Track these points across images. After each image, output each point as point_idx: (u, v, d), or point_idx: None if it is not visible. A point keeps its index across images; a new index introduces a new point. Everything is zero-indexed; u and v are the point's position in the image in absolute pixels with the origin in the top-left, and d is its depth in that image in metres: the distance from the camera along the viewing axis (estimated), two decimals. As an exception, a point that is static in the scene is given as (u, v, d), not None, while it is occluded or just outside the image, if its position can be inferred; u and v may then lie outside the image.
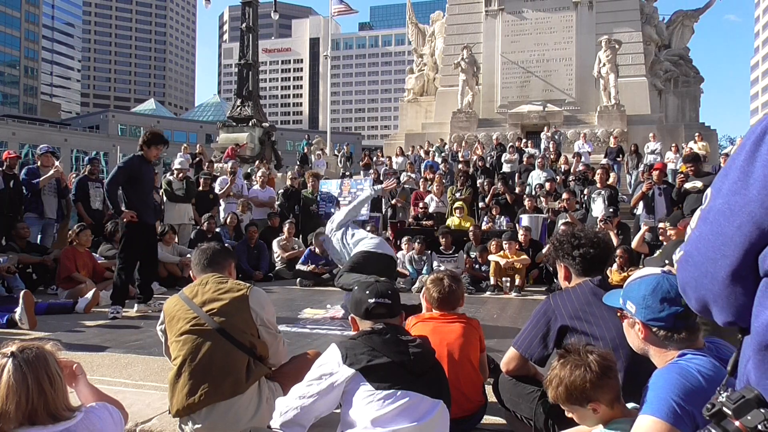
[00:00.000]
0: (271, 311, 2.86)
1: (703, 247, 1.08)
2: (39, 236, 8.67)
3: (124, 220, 6.14)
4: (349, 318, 2.54)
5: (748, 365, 1.07)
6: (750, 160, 1.01)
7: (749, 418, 1.01)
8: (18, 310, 5.43)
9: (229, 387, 2.60)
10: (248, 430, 2.29)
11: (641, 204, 9.45)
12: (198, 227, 9.86)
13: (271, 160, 18.70)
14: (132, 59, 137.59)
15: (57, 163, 8.95)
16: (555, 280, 7.31)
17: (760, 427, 0.99)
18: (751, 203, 1.00)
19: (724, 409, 1.05)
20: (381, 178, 15.09)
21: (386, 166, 17.32)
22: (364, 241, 5.86)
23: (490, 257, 8.58)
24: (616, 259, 7.59)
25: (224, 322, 2.66)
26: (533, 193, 12.15)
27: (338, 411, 2.32)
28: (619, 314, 1.92)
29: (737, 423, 1.03)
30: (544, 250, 8.53)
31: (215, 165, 14.87)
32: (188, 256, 8.49)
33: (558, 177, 13.29)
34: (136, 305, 6.40)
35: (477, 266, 8.97)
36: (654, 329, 1.78)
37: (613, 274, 7.45)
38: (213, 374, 2.59)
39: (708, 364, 1.66)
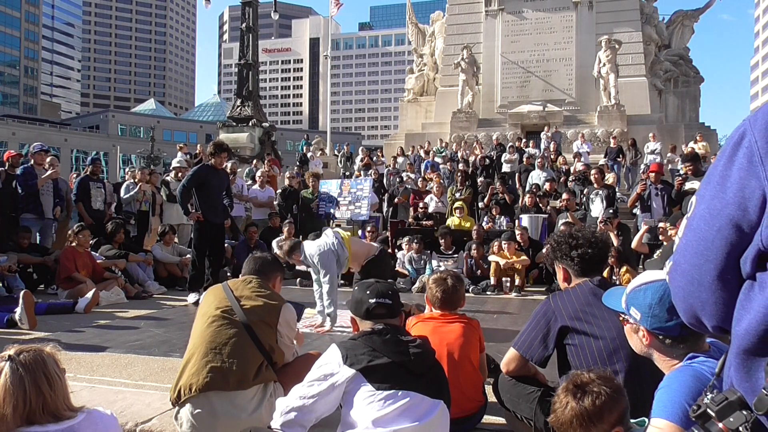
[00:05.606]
0: (293, 333, 3.01)
1: (689, 255, 1.08)
2: (38, 237, 8.66)
3: (191, 220, 7.17)
4: (350, 318, 2.54)
5: (731, 368, 1.08)
6: (728, 165, 1.02)
7: (731, 419, 1.02)
8: (18, 310, 5.42)
9: (235, 379, 2.65)
10: (248, 430, 2.29)
11: (639, 204, 9.45)
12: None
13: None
14: (132, 59, 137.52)
15: (52, 163, 8.94)
16: (555, 280, 7.29)
17: (741, 429, 1.00)
18: (729, 206, 1.00)
19: (708, 410, 1.06)
20: (384, 180, 15.13)
21: (388, 167, 17.26)
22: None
23: (490, 257, 8.58)
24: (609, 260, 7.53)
25: (253, 319, 2.79)
26: (532, 190, 12.14)
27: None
28: (621, 318, 1.90)
29: (720, 425, 1.04)
30: (543, 250, 8.52)
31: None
32: (188, 256, 8.50)
33: (556, 176, 13.27)
34: (192, 295, 6.98)
35: (474, 267, 8.91)
36: (660, 337, 1.76)
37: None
38: (225, 362, 2.66)
39: None
